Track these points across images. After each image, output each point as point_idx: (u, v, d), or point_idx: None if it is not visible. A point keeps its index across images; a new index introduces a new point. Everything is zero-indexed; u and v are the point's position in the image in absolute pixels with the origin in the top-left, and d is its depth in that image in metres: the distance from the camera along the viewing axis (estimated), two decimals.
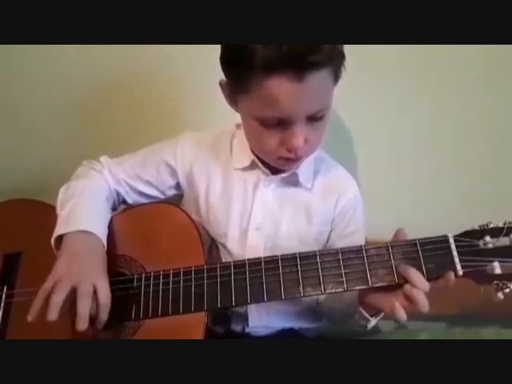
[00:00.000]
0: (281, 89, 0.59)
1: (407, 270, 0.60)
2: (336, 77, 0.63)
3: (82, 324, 0.60)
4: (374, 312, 0.68)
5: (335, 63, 0.61)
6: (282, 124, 0.64)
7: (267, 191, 0.77)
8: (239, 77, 0.63)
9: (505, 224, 0.61)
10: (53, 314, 0.59)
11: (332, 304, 0.79)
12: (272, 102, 0.61)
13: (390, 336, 0.88)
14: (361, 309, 0.68)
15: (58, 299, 0.60)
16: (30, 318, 0.60)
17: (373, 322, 0.69)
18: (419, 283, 0.59)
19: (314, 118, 0.64)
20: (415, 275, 0.59)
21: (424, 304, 0.58)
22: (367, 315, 0.68)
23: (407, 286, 0.59)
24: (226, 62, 0.64)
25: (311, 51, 0.57)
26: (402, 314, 0.60)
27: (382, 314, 0.69)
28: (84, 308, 0.61)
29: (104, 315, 0.63)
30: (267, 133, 0.66)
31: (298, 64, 0.57)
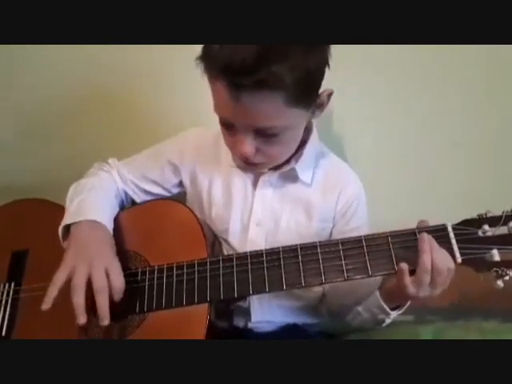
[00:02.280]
0: (221, 95, 0.59)
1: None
2: (295, 102, 0.60)
3: (105, 320, 0.62)
4: (395, 305, 0.68)
5: (279, 90, 0.57)
6: (232, 128, 0.64)
7: (267, 187, 0.77)
8: (204, 68, 0.63)
9: (503, 213, 0.62)
10: (82, 318, 0.61)
11: (343, 301, 0.79)
12: (218, 104, 0.62)
13: (393, 329, 0.88)
14: (382, 302, 0.68)
15: (80, 301, 0.61)
16: (45, 306, 0.62)
17: (392, 315, 0.70)
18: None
19: (263, 133, 0.63)
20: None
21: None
22: (388, 309, 0.68)
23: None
24: None
25: (240, 73, 0.55)
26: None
27: (403, 309, 0.69)
28: (103, 304, 0.62)
29: (118, 297, 0.65)
30: (224, 130, 0.67)
31: (230, 81, 0.57)
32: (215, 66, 0.58)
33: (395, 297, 0.68)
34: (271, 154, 0.67)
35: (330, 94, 0.67)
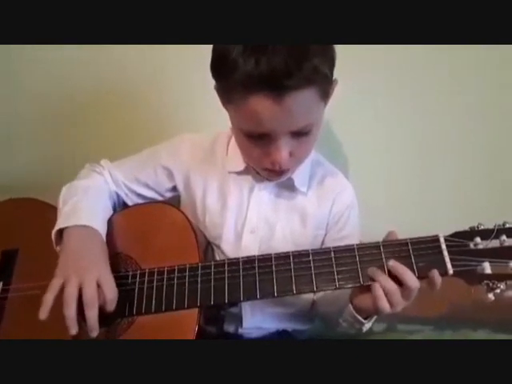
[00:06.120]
0: (261, 106, 0.59)
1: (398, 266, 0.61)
2: (324, 95, 0.63)
3: (94, 332, 0.62)
4: (366, 315, 0.68)
5: (318, 84, 0.60)
6: (266, 138, 0.64)
7: (262, 195, 0.77)
8: (223, 88, 0.63)
9: (495, 226, 0.62)
10: (73, 330, 0.60)
11: (328, 309, 0.79)
12: (253, 118, 0.61)
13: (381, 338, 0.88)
14: (354, 312, 0.68)
15: (71, 313, 0.60)
16: (42, 316, 0.60)
17: (367, 324, 0.70)
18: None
19: (299, 133, 0.64)
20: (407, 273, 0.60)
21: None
22: (360, 318, 0.68)
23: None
24: (213, 71, 0.64)
25: (287, 75, 0.56)
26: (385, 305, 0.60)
27: (375, 317, 0.69)
28: (93, 318, 0.61)
29: (110, 308, 0.64)
30: (252, 145, 0.66)
31: (275, 86, 0.57)
32: (253, 79, 0.57)
33: (368, 312, 0.67)
34: (300, 155, 0.68)
35: (335, 84, 0.67)
